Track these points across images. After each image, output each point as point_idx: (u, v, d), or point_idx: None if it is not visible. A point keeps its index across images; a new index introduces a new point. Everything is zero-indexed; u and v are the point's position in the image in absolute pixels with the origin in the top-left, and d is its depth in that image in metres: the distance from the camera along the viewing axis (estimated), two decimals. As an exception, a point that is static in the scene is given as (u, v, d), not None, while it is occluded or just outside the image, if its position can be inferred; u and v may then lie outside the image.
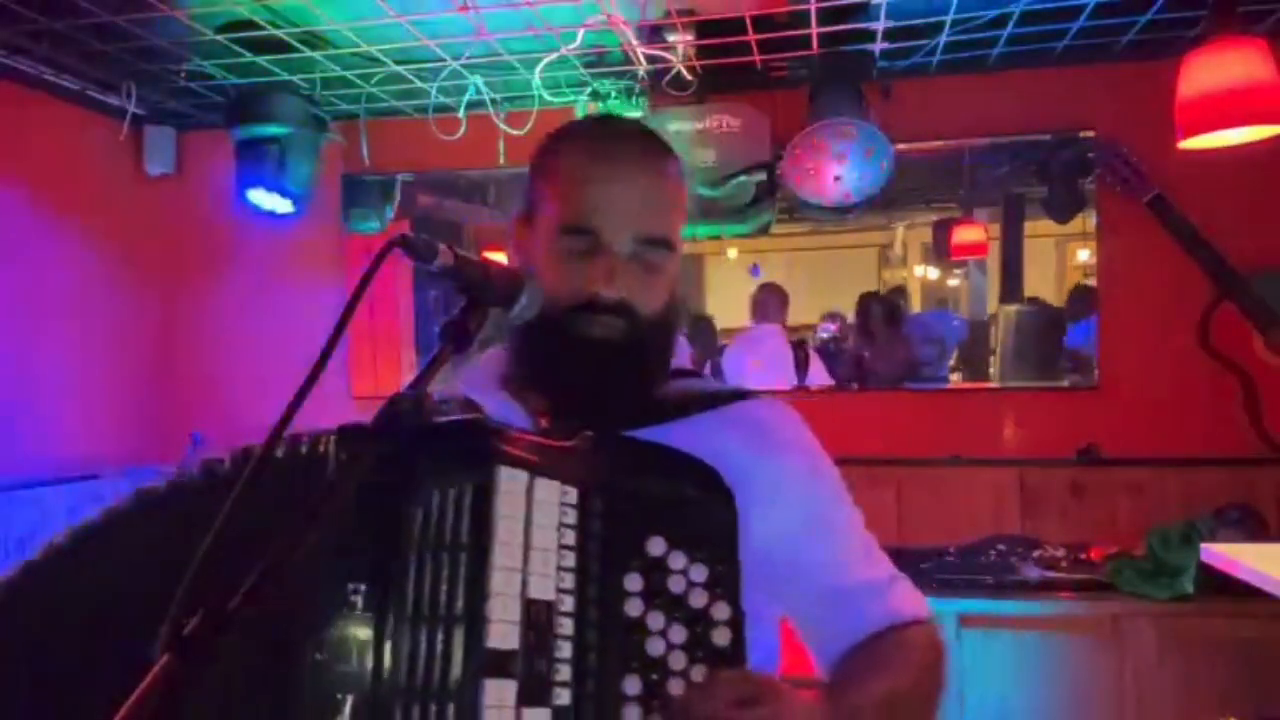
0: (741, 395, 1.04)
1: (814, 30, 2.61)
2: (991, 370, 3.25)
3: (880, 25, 2.58)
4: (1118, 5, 2.49)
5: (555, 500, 0.75)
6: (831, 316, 3.43)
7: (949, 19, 2.55)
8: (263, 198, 3.01)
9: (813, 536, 0.99)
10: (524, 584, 0.72)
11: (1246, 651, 2.34)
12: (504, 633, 0.70)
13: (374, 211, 3.35)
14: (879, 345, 3.29)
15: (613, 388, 0.95)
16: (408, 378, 0.78)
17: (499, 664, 0.69)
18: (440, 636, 0.69)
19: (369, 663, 0.69)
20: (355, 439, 0.73)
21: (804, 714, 0.76)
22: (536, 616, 0.71)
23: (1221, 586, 2.11)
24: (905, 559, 2.81)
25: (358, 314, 0.71)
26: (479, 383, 1.03)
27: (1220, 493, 2.71)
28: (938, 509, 2.97)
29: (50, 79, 2.85)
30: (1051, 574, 2.59)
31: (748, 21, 2.56)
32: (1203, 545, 2.02)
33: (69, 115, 3.06)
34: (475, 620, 0.69)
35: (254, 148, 2.95)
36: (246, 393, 3.23)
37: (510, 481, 0.73)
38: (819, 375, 3.27)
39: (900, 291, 3.45)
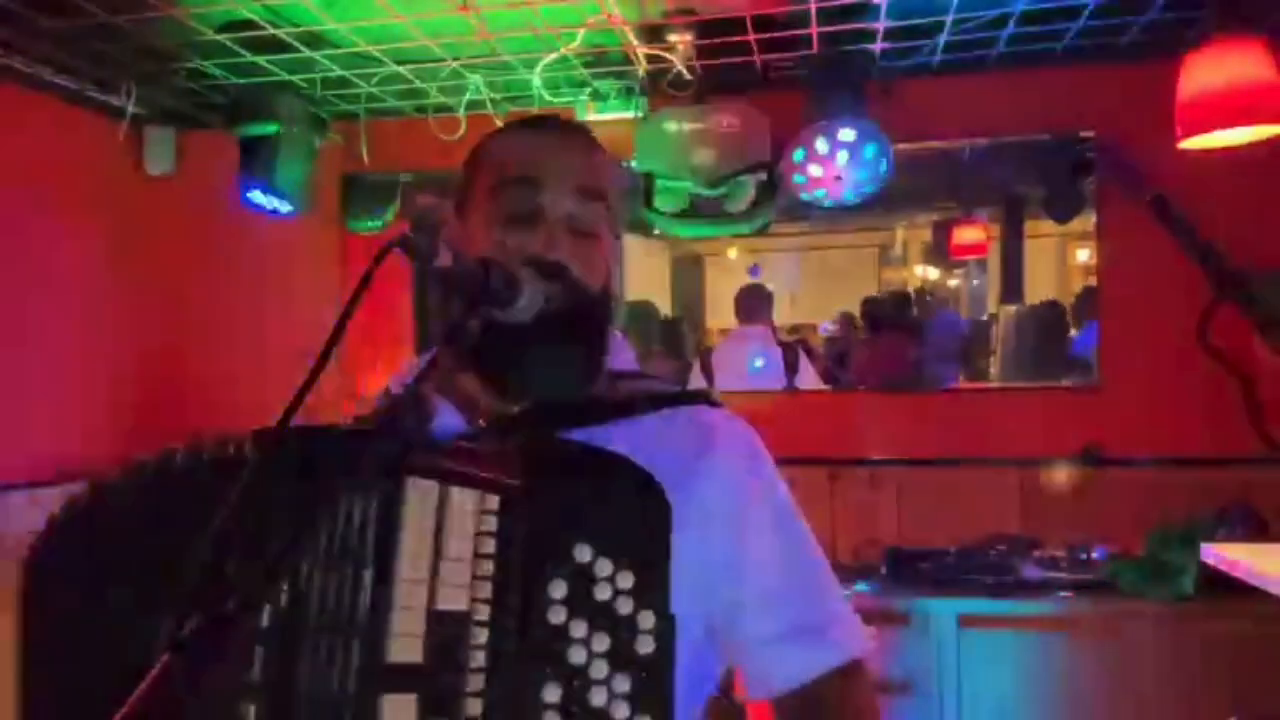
0: (691, 397, 1.01)
1: (814, 30, 2.61)
2: (992, 370, 3.25)
3: (880, 25, 2.58)
4: (1118, 5, 2.49)
5: (472, 509, 0.74)
6: (837, 317, 3.43)
7: (949, 19, 2.55)
8: (259, 197, 3.01)
9: (757, 560, 0.94)
10: (431, 596, 0.71)
11: (1246, 651, 2.34)
12: (406, 646, 0.70)
13: (374, 211, 3.35)
14: (887, 345, 3.29)
15: (552, 355, 0.92)
16: (407, 378, 0.78)
17: (399, 679, 0.69)
18: (340, 649, 0.69)
19: (271, 675, 0.69)
20: (270, 443, 0.73)
21: None
22: (444, 628, 0.71)
23: (1221, 586, 2.10)
24: (905, 559, 2.84)
25: (358, 314, 0.71)
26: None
27: (1220, 493, 2.70)
28: (938, 509, 2.97)
29: (50, 79, 2.84)
30: (1051, 574, 2.59)
31: (748, 21, 2.56)
32: (1203, 545, 2.02)
33: (69, 115, 3.06)
34: (376, 634, 0.69)
35: (252, 147, 2.96)
36: (246, 393, 3.22)
37: (417, 492, 0.72)
38: (809, 377, 3.27)
39: (920, 294, 3.45)
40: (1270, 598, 1.68)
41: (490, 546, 0.73)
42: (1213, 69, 2.29)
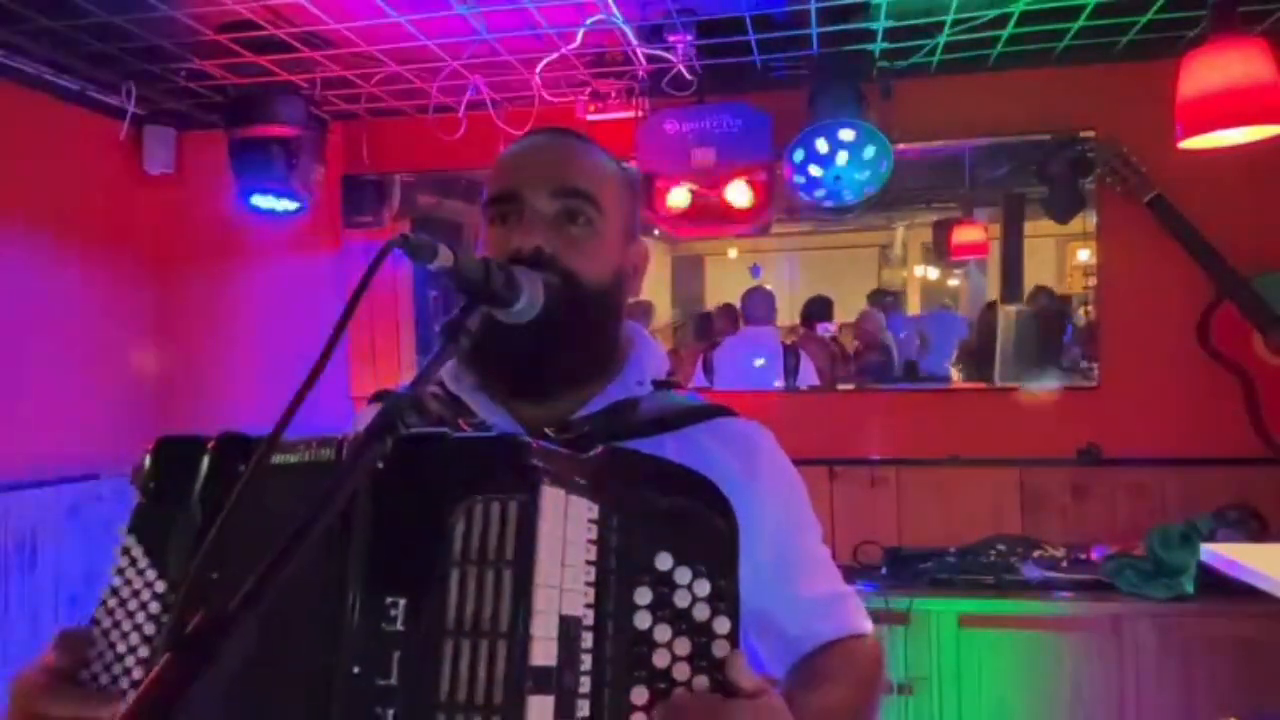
0: (725, 411, 1.06)
1: (814, 30, 2.61)
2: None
3: (880, 25, 2.58)
4: (1118, 5, 2.49)
5: (584, 517, 0.76)
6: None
7: (949, 19, 2.55)
8: (263, 198, 3.01)
9: (780, 553, 1.01)
10: (560, 601, 0.73)
11: (1246, 651, 2.34)
12: (545, 650, 0.71)
13: (374, 211, 3.35)
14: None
15: (537, 347, 0.93)
16: (407, 377, 0.77)
17: (541, 681, 0.70)
18: (483, 653, 0.69)
19: (409, 678, 0.69)
20: (388, 443, 0.71)
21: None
22: (567, 632, 0.73)
23: (1221, 586, 2.10)
24: (905, 559, 2.84)
25: (358, 314, 0.71)
26: (456, 378, 1.03)
27: (1220, 493, 2.71)
28: (938, 509, 2.97)
29: (50, 79, 2.84)
30: (1051, 574, 2.59)
31: (748, 21, 2.56)
32: (1203, 545, 2.02)
33: (69, 115, 3.06)
34: (519, 637, 0.69)
35: (254, 148, 2.96)
36: (245, 393, 3.23)
37: (553, 500, 0.73)
38: (809, 377, 3.27)
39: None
40: (1270, 598, 1.68)
41: (593, 553, 0.76)
42: (1212, 69, 2.29)
